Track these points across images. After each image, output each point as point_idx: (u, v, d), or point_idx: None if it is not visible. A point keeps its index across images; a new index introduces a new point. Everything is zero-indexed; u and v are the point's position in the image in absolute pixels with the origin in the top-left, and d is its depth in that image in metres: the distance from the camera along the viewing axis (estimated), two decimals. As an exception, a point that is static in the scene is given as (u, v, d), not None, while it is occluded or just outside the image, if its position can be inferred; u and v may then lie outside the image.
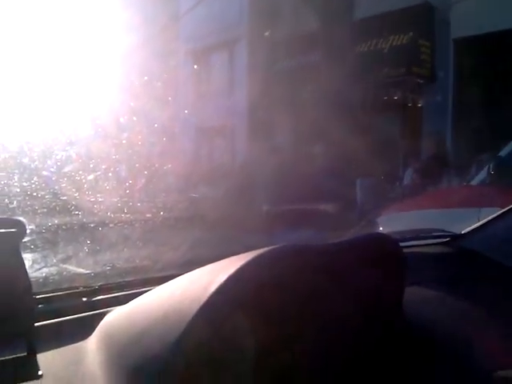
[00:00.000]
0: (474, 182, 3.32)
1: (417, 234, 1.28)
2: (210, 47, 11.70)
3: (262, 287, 0.60)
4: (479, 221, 2.75)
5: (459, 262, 1.09)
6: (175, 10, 11.53)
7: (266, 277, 0.62)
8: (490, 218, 1.12)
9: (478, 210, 2.86)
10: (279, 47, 10.32)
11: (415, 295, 0.88)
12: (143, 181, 7.69)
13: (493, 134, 6.67)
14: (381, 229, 3.95)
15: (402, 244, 1.09)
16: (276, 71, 10.04)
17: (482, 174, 3.20)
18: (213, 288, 0.59)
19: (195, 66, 12.01)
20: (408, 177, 6.72)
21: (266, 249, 0.68)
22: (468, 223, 2.98)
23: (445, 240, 1.17)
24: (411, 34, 7.95)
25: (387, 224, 3.92)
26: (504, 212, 1.10)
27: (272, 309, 0.60)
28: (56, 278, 1.28)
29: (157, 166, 8.62)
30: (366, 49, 8.41)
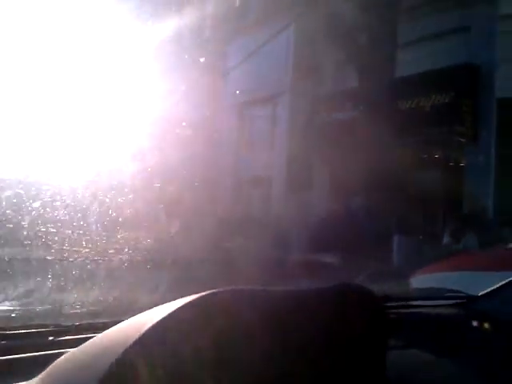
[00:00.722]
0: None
1: (431, 294, 1.29)
2: (254, 101, 12.07)
3: (174, 330, 0.64)
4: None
5: (470, 325, 1.05)
6: (223, 64, 12.07)
7: (183, 320, 0.66)
8: (507, 280, 1.05)
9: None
10: (320, 102, 10.52)
11: (411, 357, 0.85)
12: (178, 225, 7.78)
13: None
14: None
15: (413, 303, 1.09)
16: (316, 126, 10.18)
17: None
18: (144, 329, 0.63)
19: (239, 119, 12.38)
20: (447, 237, 6.51)
21: (207, 292, 0.70)
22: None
23: (460, 301, 1.13)
24: (453, 93, 7.94)
25: (420, 285, 3.78)
26: None
27: (185, 351, 0.64)
28: (19, 313, 1.24)
29: (194, 214, 8.74)
30: (407, 106, 8.44)
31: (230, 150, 12.07)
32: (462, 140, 8.07)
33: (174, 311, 0.66)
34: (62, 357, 0.72)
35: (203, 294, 0.70)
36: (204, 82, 11.34)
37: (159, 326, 0.64)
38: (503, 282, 1.08)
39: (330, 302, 0.76)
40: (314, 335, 0.72)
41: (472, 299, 1.10)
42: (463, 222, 6.87)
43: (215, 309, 0.69)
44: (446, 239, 6.66)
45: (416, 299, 1.18)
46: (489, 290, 1.08)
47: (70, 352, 0.73)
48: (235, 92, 11.93)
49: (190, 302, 0.68)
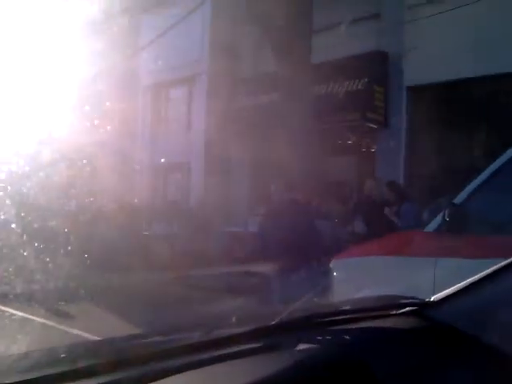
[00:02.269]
0: (428, 229, 3.29)
1: (380, 302, 1.16)
2: (170, 82, 11.65)
3: None
4: (434, 271, 2.67)
5: (427, 338, 0.96)
6: (135, 42, 11.47)
7: None
8: (464, 283, 0.99)
9: (434, 259, 2.81)
10: (239, 85, 10.40)
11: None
12: (91, 216, 7.38)
13: (445, 181, 6.84)
14: (334, 274, 3.88)
15: (361, 315, 0.97)
16: (235, 109, 10.07)
17: (436, 222, 3.18)
18: None
19: (154, 101, 11.91)
20: (357, 222, 6.69)
21: None
22: (422, 273, 2.93)
23: (412, 309, 1.03)
24: (366, 80, 8.18)
25: (340, 269, 3.86)
26: (481, 278, 0.98)
27: None
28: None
29: (108, 202, 8.33)
30: (323, 92, 8.58)
31: (145, 134, 11.63)
32: (373, 126, 8.38)
33: None
34: None
35: None
36: (116, 61, 10.74)
37: None
38: (460, 285, 0.99)
39: None
40: None
41: (425, 305, 1.02)
42: (354, 206, 7.19)
43: None
44: (356, 224, 6.83)
45: (362, 311, 1.08)
46: (443, 294, 1.00)
47: None
48: (149, 72, 11.44)
49: None
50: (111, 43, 10.66)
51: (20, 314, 3.94)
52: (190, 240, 8.43)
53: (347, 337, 0.92)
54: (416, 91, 8.08)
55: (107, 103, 10.43)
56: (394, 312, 1.03)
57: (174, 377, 0.73)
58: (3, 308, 3.95)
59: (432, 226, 3.23)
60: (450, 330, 0.93)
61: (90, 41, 10.40)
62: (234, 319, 0.99)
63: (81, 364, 0.79)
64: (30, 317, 3.99)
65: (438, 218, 3.10)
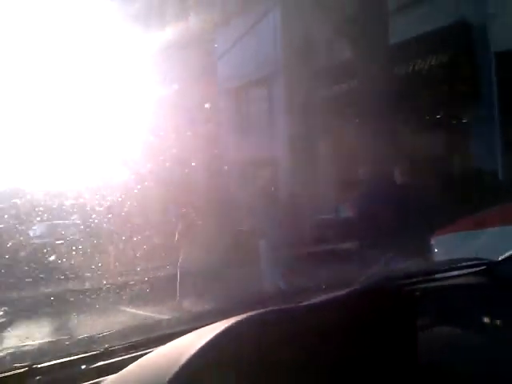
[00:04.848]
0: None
1: (451, 264, 1.22)
2: (249, 84, 12.03)
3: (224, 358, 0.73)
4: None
5: (495, 293, 1.01)
6: (214, 50, 12.01)
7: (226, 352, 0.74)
8: None
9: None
10: (316, 79, 10.47)
11: (439, 338, 0.87)
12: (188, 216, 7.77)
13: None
14: (436, 250, 3.89)
15: (436, 276, 1.10)
16: (315, 101, 10.16)
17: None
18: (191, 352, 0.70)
19: (235, 104, 12.34)
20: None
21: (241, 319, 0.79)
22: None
23: (480, 269, 1.08)
24: (450, 52, 7.94)
25: (442, 244, 3.85)
26: None
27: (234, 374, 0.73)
28: (49, 347, 1.21)
29: (201, 203, 8.77)
30: (404, 72, 8.42)
31: (229, 136, 12.05)
32: (464, 98, 8.09)
33: (230, 327, 0.75)
34: (124, 370, 0.77)
35: (249, 315, 0.80)
36: (196, 70, 11.29)
37: (218, 339, 0.73)
38: None
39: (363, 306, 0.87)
40: (354, 337, 0.82)
41: (492, 265, 1.07)
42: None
43: (261, 328, 0.78)
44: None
45: (436, 272, 1.15)
46: (508, 254, 1.03)
47: (131, 366, 0.77)
48: (229, 77, 11.89)
49: (240, 321, 0.77)
50: (193, 54, 11.24)
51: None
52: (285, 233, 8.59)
53: (422, 293, 1.02)
54: (504, 58, 7.70)
55: (206, 106, 10.87)
56: (465, 272, 1.10)
57: None
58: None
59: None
60: None
61: (175, 54, 11.02)
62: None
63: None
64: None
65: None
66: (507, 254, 1.01)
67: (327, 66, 10.31)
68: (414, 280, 1.04)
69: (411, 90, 8.09)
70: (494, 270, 1.02)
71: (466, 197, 6.27)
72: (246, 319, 0.78)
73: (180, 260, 5.31)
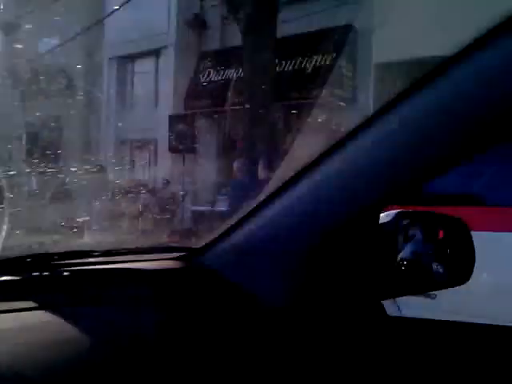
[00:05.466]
0: None
1: (151, 248, 1.09)
2: (135, 54, 11.24)
3: None
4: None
5: (190, 286, 0.83)
6: (100, 12, 11.01)
7: None
8: (229, 224, 0.84)
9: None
10: (206, 59, 10.10)
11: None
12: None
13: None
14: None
15: (119, 258, 0.95)
16: (201, 84, 9.80)
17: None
18: None
19: (119, 74, 11.48)
20: None
21: None
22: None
23: (180, 254, 0.91)
24: (333, 54, 7.98)
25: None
26: (246, 215, 0.81)
27: None
28: None
29: (68, 178, 8.08)
30: (290, 67, 8.36)
31: (110, 109, 11.25)
32: (341, 103, 8.20)
33: None
34: None
35: None
36: (80, 31, 10.33)
37: None
38: (226, 227, 0.85)
39: None
40: None
41: (193, 251, 0.91)
42: None
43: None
44: None
45: (126, 254, 1.00)
46: (211, 238, 0.87)
47: None
48: (114, 44, 11.00)
49: None
50: (75, 13, 10.23)
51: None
52: (153, 219, 8.24)
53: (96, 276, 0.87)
54: (384, 68, 7.88)
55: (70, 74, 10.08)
56: (162, 257, 0.93)
57: None
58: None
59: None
60: (214, 277, 0.82)
61: (51, 10, 9.93)
62: None
63: None
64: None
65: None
66: (209, 240, 0.86)
67: (218, 48, 9.97)
68: (101, 259, 0.93)
69: (293, 86, 8.06)
70: (192, 257, 0.89)
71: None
72: None
73: None
